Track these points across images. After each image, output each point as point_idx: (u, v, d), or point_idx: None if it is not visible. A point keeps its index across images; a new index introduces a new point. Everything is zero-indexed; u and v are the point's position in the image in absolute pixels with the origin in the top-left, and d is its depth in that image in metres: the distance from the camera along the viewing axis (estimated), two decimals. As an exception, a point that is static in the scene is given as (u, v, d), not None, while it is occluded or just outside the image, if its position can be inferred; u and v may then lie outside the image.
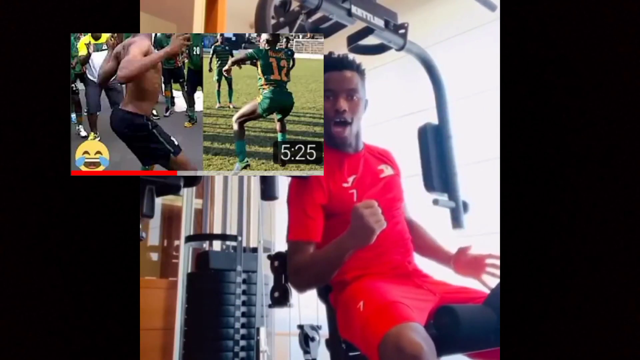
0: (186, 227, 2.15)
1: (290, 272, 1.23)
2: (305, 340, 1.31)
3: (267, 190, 1.32)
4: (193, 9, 2.33)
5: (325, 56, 1.35)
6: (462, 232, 1.94)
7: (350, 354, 1.20)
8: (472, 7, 1.81)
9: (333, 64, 1.32)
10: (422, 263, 1.37)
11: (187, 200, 2.18)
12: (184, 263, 2.09)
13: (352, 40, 1.55)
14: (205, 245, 2.21)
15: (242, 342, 1.86)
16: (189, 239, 2.12)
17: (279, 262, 1.36)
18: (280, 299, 1.33)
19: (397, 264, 1.26)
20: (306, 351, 1.31)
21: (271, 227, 2.18)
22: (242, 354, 1.85)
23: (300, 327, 1.33)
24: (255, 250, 2.04)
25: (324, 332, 1.31)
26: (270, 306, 1.38)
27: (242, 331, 1.86)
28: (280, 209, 2.27)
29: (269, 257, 1.39)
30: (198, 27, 2.34)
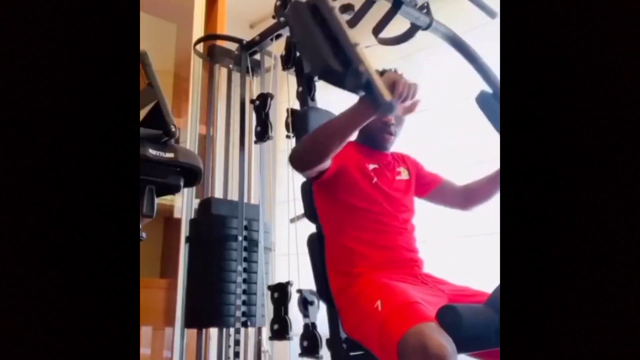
0: (186, 227, 2.15)
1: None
2: (304, 304, 1.30)
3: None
4: (193, 9, 2.33)
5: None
6: (462, 232, 1.93)
7: (351, 353, 1.20)
8: (472, 7, 1.81)
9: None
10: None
11: (187, 200, 2.18)
12: (184, 263, 2.09)
13: (378, 28, 1.53)
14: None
15: (244, 297, 1.86)
16: (189, 239, 2.12)
17: (279, 293, 1.37)
18: (280, 331, 1.33)
19: (405, 264, 1.27)
20: (305, 315, 1.29)
21: (271, 227, 2.18)
22: (244, 308, 1.85)
23: (300, 291, 1.32)
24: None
25: (324, 331, 1.30)
26: (270, 339, 1.38)
27: (244, 286, 1.87)
28: (280, 208, 2.27)
29: (269, 287, 1.40)
30: (198, 27, 2.33)
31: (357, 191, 1.29)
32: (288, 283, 1.36)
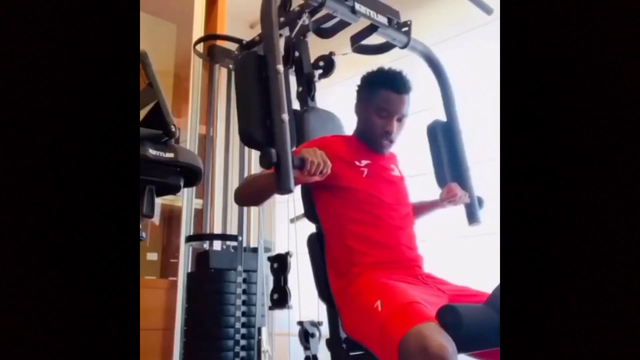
0: (186, 227, 2.15)
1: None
2: (305, 336, 1.31)
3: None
4: (193, 9, 2.33)
5: (382, 70, 1.38)
6: (462, 232, 1.93)
7: (351, 353, 1.20)
8: (471, 7, 1.81)
9: (394, 85, 1.34)
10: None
11: (187, 200, 2.18)
12: (184, 263, 2.09)
13: (356, 39, 1.54)
14: (206, 245, 2.21)
15: (243, 342, 1.85)
16: (189, 239, 2.12)
17: (279, 264, 1.37)
18: (279, 300, 1.33)
19: (406, 263, 1.27)
20: (306, 347, 1.30)
21: (271, 227, 2.18)
22: (243, 354, 1.84)
23: (300, 323, 1.33)
24: (255, 250, 2.04)
25: (324, 330, 1.30)
26: (270, 308, 1.39)
27: (243, 331, 1.86)
28: (280, 207, 2.27)
29: (269, 258, 1.40)
30: (198, 27, 2.33)
31: (350, 185, 1.29)
32: (287, 254, 1.37)
